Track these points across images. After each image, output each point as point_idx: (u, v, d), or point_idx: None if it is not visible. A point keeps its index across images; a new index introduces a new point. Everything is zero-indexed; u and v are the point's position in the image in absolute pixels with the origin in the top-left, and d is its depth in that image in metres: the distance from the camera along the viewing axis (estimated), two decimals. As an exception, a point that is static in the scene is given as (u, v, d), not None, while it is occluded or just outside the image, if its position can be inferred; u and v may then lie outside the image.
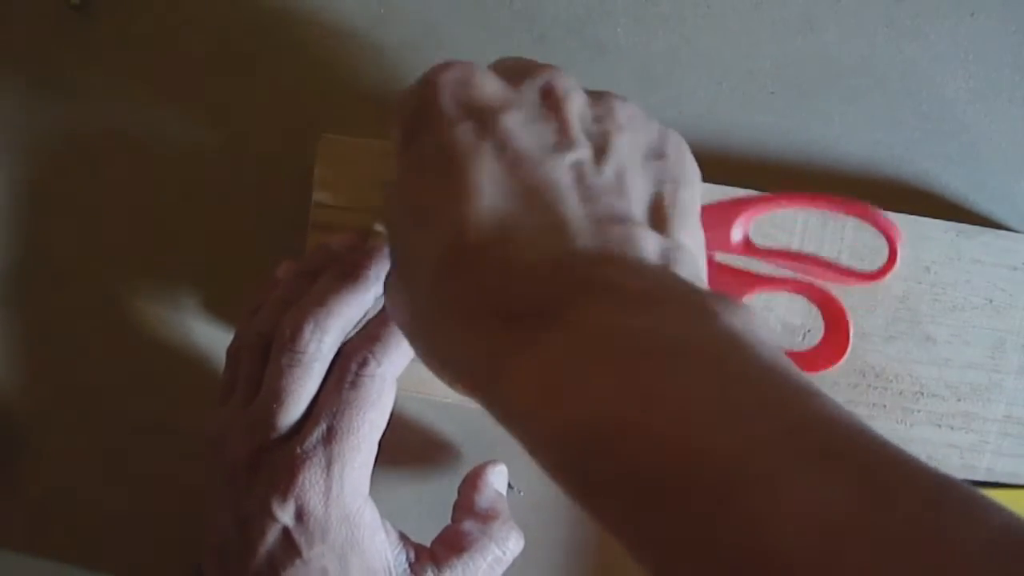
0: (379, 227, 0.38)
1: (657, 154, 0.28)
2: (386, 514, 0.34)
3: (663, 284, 0.24)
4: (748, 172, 0.41)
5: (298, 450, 0.31)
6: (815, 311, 0.39)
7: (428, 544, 0.35)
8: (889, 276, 0.38)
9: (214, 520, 0.33)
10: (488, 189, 0.25)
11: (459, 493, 0.37)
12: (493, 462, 0.38)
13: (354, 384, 0.32)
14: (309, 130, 0.40)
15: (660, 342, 0.22)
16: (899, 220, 0.39)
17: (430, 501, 0.41)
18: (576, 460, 0.21)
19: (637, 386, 0.21)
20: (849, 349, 0.38)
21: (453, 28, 0.41)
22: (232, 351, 0.36)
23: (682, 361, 0.21)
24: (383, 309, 0.34)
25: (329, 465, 0.31)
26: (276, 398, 0.32)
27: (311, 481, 0.31)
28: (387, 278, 0.29)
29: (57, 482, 0.43)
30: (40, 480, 0.43)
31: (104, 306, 0.43)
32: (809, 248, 0.39)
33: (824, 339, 0.38)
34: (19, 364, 0.43)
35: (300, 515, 0.31)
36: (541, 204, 0.25)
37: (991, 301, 0.39)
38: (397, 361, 0.33)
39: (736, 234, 0.38)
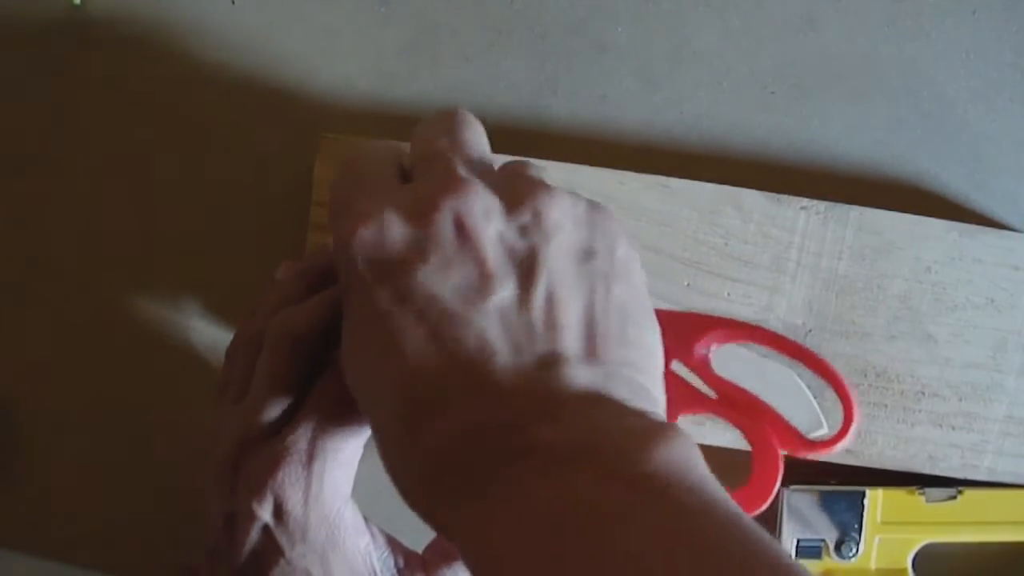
0: None
1: (588, 252, 0.27)
2: (384, 517, 0.34)
3: (589, 434, 0.24)
4: (748, 172, 0.41)
5: (279, 447, 0.31)
6: (816, 308, 0.39)
7: (420, 549, 0.35)
8: (851, 432, 0.37)
9: (207, 520, 0.33)
10: (416, 358, 0.26)
11: None
12: None
13: (342, 386, 0.32)
14: (309, 130, 0.40)
15: (575, 510, 0.23)
16: (900, 220, 0.39)
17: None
18: None
19: (547, 565, 0.22)
20: (772, 497, 0.37)
21: (453, 28, 0.41)
22: (230, 350, 0.36)
23: (592, 531, 0.22)
24: None
25: (310, 463, 0.31)
26: (262, 396, 0.32)
27: (290, 478, 0.31)
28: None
29: (57, 482, 0.43)
30: (40, 480, 0.43)
31: (104, 306, 0.42)
32: (811, 248, 0.39)
33: (752, 481, 0.36)
34: (19, 364, 0.43)
35: (279, 512, 0.31)
36: (469, 363, 0.25)
37: (992, 301, 0.39)
38: None
39: (699, 350, 0.37)
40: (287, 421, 0.32)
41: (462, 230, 0.27)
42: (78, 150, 0.42)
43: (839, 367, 0.38)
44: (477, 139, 0.30)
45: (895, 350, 0.39)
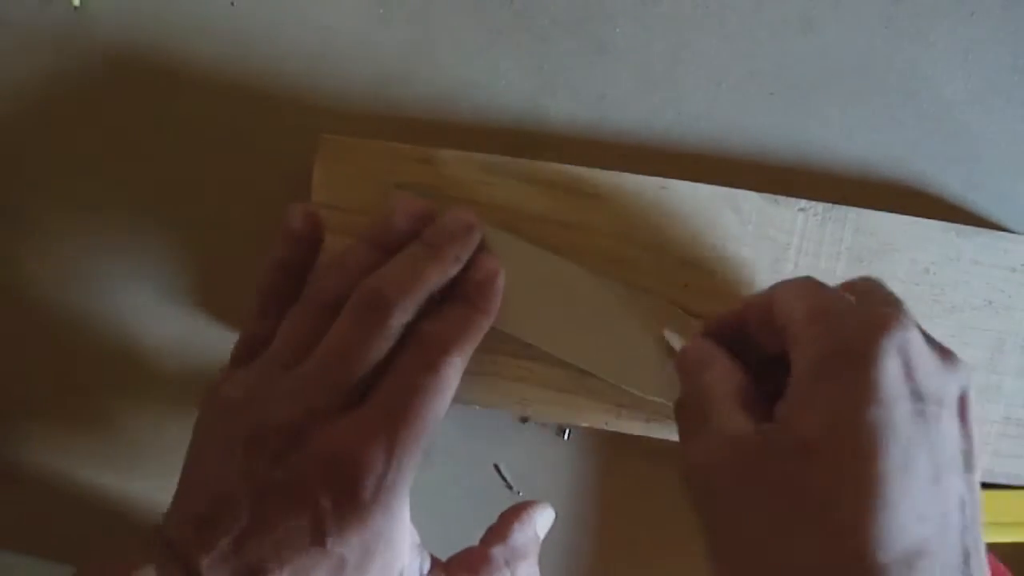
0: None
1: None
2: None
3: None
4: (748, 172, 0.41)
5: (361, 425, 0.28)
6: (814, 312, 0.39)
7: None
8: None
9: (206, 486, 0.30)
10: (906, 504, 0.25)
11: (499, 519, 0.35)
12: (544, 505, 0.36)
13: (433, 368, 0.29)
14: (309, 130, 0.41)
15: None
16: (898, 221, 0.39)
17: (429, 504, 0.41)
18: None
19: None
20: None
21: (453, 28, 0.41)
22: (259, 309, 0.33)
23: None
24: (460, 295, 0.32)
25: (392, 448, 0.28)
26: (342, 361, 0.29)
27: (370, 463, 0.28)
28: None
29: (57, 482, 0.43)
30: (40, 480, 0.43)
31: (103, 305, 0.43)
32: (809, 249, 0.39)
33: None
34: (19, 363, 0.43)
35: (342, 498, 0.28)
36: (934, 525, 0.25)
37: (990, 302, 0.39)
38: (471, 353, 0.31)
39: None
40: (363, 394, 0.29)
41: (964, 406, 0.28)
42: (77, 150, 0.42)
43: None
44: None
45: (893, 351, 0.39)
